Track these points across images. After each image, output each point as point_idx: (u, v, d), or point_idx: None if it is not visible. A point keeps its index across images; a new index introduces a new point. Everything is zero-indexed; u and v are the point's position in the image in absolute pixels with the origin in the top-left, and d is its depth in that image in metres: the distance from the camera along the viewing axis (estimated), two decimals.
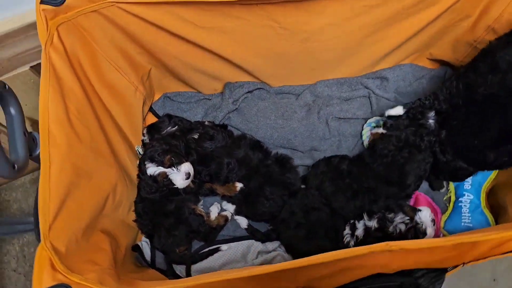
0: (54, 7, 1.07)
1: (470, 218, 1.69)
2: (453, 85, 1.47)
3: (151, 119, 1.80)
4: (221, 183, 1.63)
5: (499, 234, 0.93)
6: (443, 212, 1.76)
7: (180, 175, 1.43)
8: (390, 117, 1.67)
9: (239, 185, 1.61)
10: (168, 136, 1.62)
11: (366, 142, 1.78)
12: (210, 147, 1.60)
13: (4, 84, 1.10)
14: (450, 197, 1.77)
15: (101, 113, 1.31)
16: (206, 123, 1.74)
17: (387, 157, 1.54)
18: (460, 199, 1.72)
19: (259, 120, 1.74)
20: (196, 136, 1.62)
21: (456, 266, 1.06)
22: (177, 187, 1.45)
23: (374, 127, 1.75)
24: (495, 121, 1.32)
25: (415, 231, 1.37)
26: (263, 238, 1.67)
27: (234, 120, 1.78)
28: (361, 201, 1.55)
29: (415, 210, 1.43)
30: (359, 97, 1.86)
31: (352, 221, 1.52)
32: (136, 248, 1.59)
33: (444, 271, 0.99)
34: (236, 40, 1.43)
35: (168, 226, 1.56)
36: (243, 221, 1.69)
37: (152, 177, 1.43)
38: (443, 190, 1.77)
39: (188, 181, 1.45)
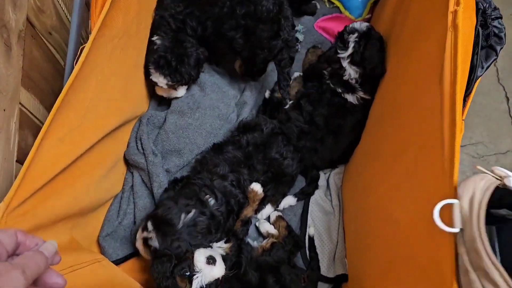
0: None
1: None
2: None
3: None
4: (246, 204, 1.34)
5: None
6: (341, 12, 1.78)
7: (207, 269, 1.07)
8: None
9: (255, 186, 1.34)
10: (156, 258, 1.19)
11: None
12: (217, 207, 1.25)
13: None
14: (334, 5, 1.81)
15: None
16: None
17: None
18: None
19: (186, 136, 1.42)
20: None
21: None
22: (219, 277, 1.08)
23: None
24: None
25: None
26: (312, 185, 1.51)
27: (171, 164, 1.42)
28: None
29: (352, 27, 1.41)
30: None
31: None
32: None
33: None
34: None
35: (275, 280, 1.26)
36: (290, 200, 1.48)
37: None
38: (318, 7, 1.80)
39: (219, 261, 1.10)
